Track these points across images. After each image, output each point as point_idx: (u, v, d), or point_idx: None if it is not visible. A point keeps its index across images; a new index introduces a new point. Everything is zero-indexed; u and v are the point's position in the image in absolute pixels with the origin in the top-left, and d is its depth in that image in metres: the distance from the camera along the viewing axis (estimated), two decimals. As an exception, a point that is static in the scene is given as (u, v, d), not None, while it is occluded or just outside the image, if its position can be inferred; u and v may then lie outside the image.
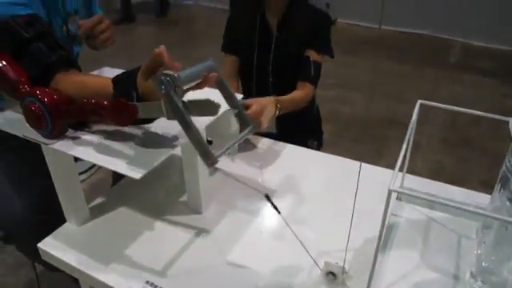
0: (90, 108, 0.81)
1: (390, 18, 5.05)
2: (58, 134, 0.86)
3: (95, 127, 0.90)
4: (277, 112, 1.29)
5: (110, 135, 0.86)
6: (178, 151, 0.90)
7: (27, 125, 0.88)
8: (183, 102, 0.71)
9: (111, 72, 1.29)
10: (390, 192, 0.62)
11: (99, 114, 0.81)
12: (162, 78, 0.69)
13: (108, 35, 1.24)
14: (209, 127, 0.91)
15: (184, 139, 0.80)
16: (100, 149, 0.82)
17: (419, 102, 0.95)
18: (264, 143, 1.32)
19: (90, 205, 1.05)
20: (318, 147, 1.69)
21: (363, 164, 0.80)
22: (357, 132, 2.91)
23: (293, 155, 1.26)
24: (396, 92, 3.51)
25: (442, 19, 4.75)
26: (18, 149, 1.07)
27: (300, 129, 1.61)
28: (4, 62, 0.90)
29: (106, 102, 0.79)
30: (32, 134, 0.87)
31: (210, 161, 0.71)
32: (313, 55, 1.44)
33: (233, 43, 1.55)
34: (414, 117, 0.90)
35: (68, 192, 0.95)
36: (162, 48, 0.75)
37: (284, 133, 1.50)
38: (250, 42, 1.49)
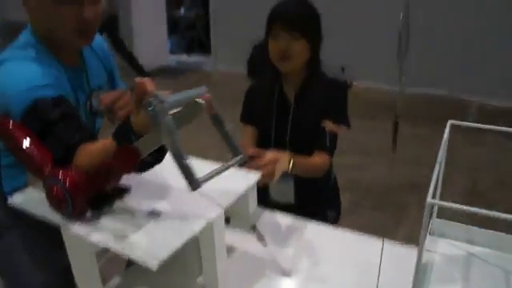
0: (103, 171, 0.84)
1: (406, 79, 5.10)
2: (79, 215, 0.88)
3: (115, 208, 0.91)
4: (290, 167, 1.31)
5: (129, 215, 0.87)
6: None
7: (47, 203, 0.89)
8: (172, 122, 0.73)
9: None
10: (429, 205, 0.58)
11: (111, 172, 0.83)
12: (150, 101, 0.72)
13: (127, 111, 1.24)
14: (228, 206, 0.91)
15: (202, 222, 0.80)
16: (118, 234, 0.82)
17: (449, 122, 0.94)
18: (282, 219, 1.30)
19: (106, 285, 1.04)
20: (337, 218, 1.67)
21: (385, 241, 0.78)
22: (376, 200, 2.87)
23: (311, 232, 1.24)
24: (414, 156, 3.49)
25: (458, 79, 4.80)
26: (38, 225, 1.07)
27: (318, 200, 1.59)
28: (30, 143, 0.93)
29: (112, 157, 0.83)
30: (52, 215, 0.89)
31: (194, 185, 0.73)
32: (329, 125, 1.45)
33: (251, 114, 1.58)
34: (446, 136, 0.88)
35: (84, 274, 0.95)
36: (140, 80, 0.79)
37: (302, 204, 1.49)
38: (268, 114, 1.53)
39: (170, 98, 0.74)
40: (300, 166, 1.36)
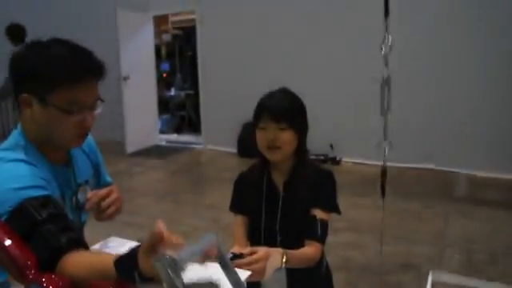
0: None
1: (394, 154, 5.20)
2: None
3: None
4: (283, 264, 1.28)
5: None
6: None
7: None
8: (184, 284, 0.71)
9: (117, 242, 1.30)
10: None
11: None
12: (163, 259, 0.70)
13: (113, 209, 1.25)
14: None
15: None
16: None
17: (431, 272, 0.93)
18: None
19: None
20: (331, 306, 1.62)
21: None
22: (370, 280, 2.81)
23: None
24: (407, 232, 3.47)
25: (445, 152, 4.88)
26: None
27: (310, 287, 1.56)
28: (13, 244, 0.92)
29: (109, 287, 0.79)
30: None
31: None
32: (319, 214, 1.46)
33: (241, 203, 1.59)
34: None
35: None
36: (160, 226, 0.77)
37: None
38: (258, 202, 1.53)
39: (183, 256, 0.72)
40: (293, 261, 1.34)
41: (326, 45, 5.46)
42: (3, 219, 0.97)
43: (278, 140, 1.43)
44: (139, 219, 3.59)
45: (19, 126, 1.22)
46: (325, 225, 1.47)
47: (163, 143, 7.27)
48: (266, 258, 1.20)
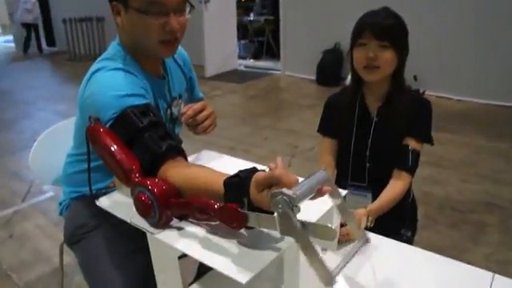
0: (199, 206, 0.83)
1: (482, 90, 4.85)
2: (164, 224, 0.88)
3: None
4: (368, 224, 1.28)
5: (214, 229, 0.86)
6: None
7: (133, 209, 0.91)
8: (301, 222, 0.71)
9: (210, 156, 1.33)
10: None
11: (208, 214, 0.81)
12: (280, 197, 0.69)
13: (209, 122, 1.26)
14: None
15: (287, 242, 0.78)
16: (204, 244, 0.82)
17: None
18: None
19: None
20: (412, 238, 1.59)
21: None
22: (451, 216, 2.72)
23: (388, 249, 1.18)
24: (492, 172, 3.28)
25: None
26: (118, 225, 1.09)
27: (394, 217, 1.52)
28: (119, 149, 0.96)
29: (216, 206, 0.80)
30: (139, 221, 0.90)
31: (327, 281, 0.70)
32: (412, 143, 1.41)
33: (330, 125, 1.55)
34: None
35: (167, 278, 0.95)
36: (280, 168, 0.75)
37: (377, 219, 1.43)
38: (349, 127, 1.49)
39: (298, 193, 0.70)
40: (380, 211, 1.34)
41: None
42: (108, 125, 1.01)
43: (379, 58, 1.36)
44: (219, 140, 3.69)
45: (117, 37, 1.23)
46: (417, 155, 1.42)
47: (242, 68, 7.28)
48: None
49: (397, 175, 1.42)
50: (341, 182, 1.54)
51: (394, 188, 1.41)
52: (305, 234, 0.70)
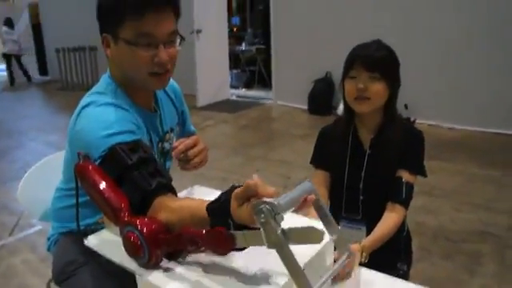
0: (188, 237, 0.81)
1: (473, 117, 4.90)
2: (154, 264, 0.86)
3: (190, 258, 0.89)
4: (362, 260, 1.26)
5: (206, 268, 0.84)
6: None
7: (122, 248, 0.89)
8: (284, 230, 0.69)
9: (201, 191, 1.31)
10: None
11: (196, 243, 0.80)
12: (262, 206, 0.68)
13: (199, 159, 1.24)
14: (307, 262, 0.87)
15: (285, 278, 0.76)
16: (196, 286, 0.80)
17: None
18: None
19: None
20: (407, 272, 1.56)
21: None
22: (445, 247, 2.70)
23: (382, 286, 1.15)
24: (485, 200, 3.28)
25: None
26: (107, 263, 1.07)
27: (389, 251, 1.50)
28: (108, 187, 0.94)
29: (203, 231, 0.79)
30: (127, 261, 0.88)
31: None
32: (405, 176, 1.41)
33: (323, 158, 1.55)
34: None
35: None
36: (256, 180, 0.74)
37: (372, 254, 1.41)
38: (342, 159, 1.48)
39: (281, 203, 0.69)
40: (375, 246, 1.33)
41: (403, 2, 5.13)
42: (97, 162, 1.00)
43: (369, 90, 1.36)
44: (211, 172, 3.66)
45: (108, 69, 1.23)
46: (410, 187, 1.41)
47: (234, 98, 7.32)
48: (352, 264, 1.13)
49: (391, 208, 1.41)
50: (334, 214, 1.51)
51: (389, 221, 1.39)
52: (286, 244, 0.68)
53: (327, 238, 0.89)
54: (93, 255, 1.07)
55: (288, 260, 0.68)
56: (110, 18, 1.12)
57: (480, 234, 2.80)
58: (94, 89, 1.21)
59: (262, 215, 0.68)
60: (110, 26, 1.12)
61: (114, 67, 1.20)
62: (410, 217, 1.56)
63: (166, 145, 1.35)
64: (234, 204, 0.76)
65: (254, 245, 0.74)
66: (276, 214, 0.67)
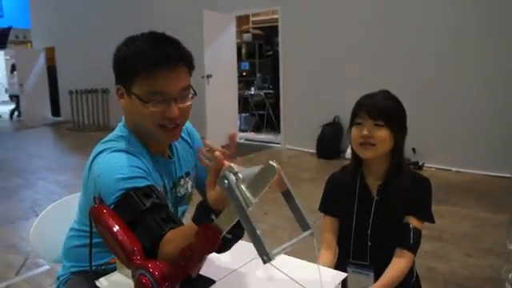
0: (186, 256, 0.83)
1: (481, 161, 4.89)
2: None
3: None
4: None
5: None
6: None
7: (134, 291, 0.90)
8: (239, 177, 0.72)
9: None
10: None
11: (193, 256, 0.82)
12: (224, 172, 0.71)
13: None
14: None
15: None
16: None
17: None
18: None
19: None
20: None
21: None
22: (456, 293, 2.65)
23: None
24: (496, 245, 3.23)
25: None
26: None
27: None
28: (121, 232, 0.96)
29: (192, 235, 0.82)
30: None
31: (266, 257, 0.69)
32: (413, 222, 1.42)
33: (331, 205, 1.57)
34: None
35: None
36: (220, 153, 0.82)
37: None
38: (349, 205, 1.50)
39: (244, 170, 0.74)
40: None
41: (409, 45, 5.25)
42: (111, 207, 1.03)
43: (373, 136, 1.41)
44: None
45: (123, 118, 1.27)
46: (418, 234, 1.43)
47: (242, 141, 7.38)
48: None
49: (399, 254, 1.41)
50: (343, 260, 1.52)
51: (397, 266, 1.39)
52: (246, 209, 0.72)
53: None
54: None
55: (247, 224, 0.72)
56: (123, 72, 1.17)
57: (493, 280, 2.74)
58: (109, 136, 1.25)
59: (226, 181, 0.71)
60: (124, 79, 1.17)
61: (127, 116, 1.25)
62: (419, 262, 1.55)
63: (181, 190, 1.37)
64: (209, 192, 0.82)
65: (233, 220, 0.77)
66: (238, 179, 0.71)
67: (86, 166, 1.20)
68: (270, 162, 0.72)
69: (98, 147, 1.20)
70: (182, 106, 1.17)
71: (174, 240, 0.93)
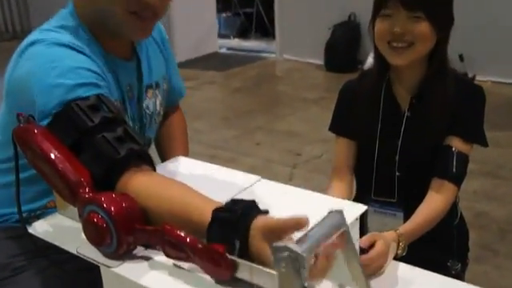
0: (173, 240, 0.83)
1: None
2: (125, 252, 0.89)
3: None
4: (398, 252, 1.28)
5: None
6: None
7: (82, 235, 0.92)
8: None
9: (187, 163, 1.34)
10: None
11: (184, 252, 0.82)
12: (284, 254, 0.70)
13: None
14: None
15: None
16: (177, 277, 0.84)
17: None
18: (390, 266, 1.26)
19: None
20: (462, 271, 1.61)
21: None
22: (513, 244, 2.75)
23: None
24: None
25: None
26: (64, 263, 1.07)
27: (436, 244, 1.55)
28: (62, 158, 0.96)
29: (200, 245, 0.81)
30: (88, 251, 0.91)
31: None
32: (457, 144, 1.43)
33: (347, 122, 1.58)
34: None
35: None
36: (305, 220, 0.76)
37: (414, 247, 1.44)
38: (371, 124, 1.52)
39: (307, 250, 0.72)
40: (415, 235, 1.35)
41: None
42: (45, 123, 1.02)
43: (410, 33, 1.38)
44: (195, 147, 3.67)
45: (70, 4, 1.24)
46: (464, 159, 1.44)
47: (223, 50, 7.31)
48: (386, 254, 1.16)
49: (437, 186, 1.43)
50: (361, 197, 1.57)
51: (434, 203, 1.42)
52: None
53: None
54: (40, 253, 1.09)
55: None
56: None
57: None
58: (46, 25, 1.22)
59: (283, 264, 0.70)
60: None
61: (82, 2, 1.23)
62: (466, 204, 1.59)
63: (150, 105, 1.37)
64: (257, 234, 0.79)
65: (262, 284, 0.77)
66: (301, 267, 0.70)
67: (9, 65, 1.18)
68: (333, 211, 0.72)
69: (31, 37, 1.18)
70: None
71: (157, 194, 0.93)
